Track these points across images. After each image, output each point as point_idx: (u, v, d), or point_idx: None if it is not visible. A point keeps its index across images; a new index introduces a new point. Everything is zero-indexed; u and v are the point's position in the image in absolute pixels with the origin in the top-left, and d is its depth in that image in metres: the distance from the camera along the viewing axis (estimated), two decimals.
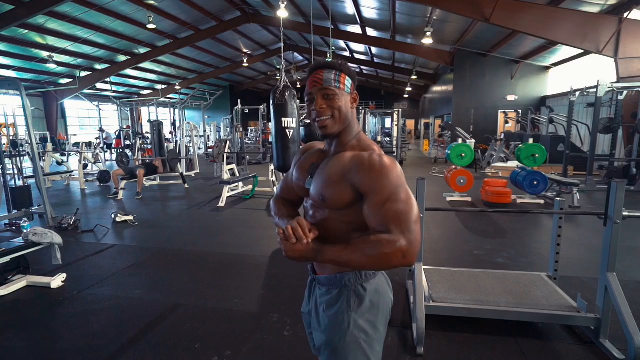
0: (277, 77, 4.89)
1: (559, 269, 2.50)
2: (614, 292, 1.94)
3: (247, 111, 12.30)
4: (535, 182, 5.51)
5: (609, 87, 6.55)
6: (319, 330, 1.04)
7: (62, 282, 3.00)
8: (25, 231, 3.09)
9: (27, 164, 8.88)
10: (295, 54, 21.60)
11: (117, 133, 14.25)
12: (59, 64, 14.62)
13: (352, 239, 0.91)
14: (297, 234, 0.88)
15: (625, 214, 1.96)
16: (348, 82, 1.01)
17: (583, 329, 2.18)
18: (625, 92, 7.04)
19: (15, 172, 6.19)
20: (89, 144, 12.15)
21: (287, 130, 4.39)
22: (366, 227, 0.93)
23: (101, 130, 12.80)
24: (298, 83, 25.42)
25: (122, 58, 15.70)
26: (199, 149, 15.80)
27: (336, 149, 1.02)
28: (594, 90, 6.53)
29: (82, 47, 13.63)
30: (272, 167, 6.79)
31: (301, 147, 1.19)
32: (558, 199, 2.43)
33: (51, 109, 17.58)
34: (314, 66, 1.02)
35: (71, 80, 16.45)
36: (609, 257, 2.00)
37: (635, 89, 6.82)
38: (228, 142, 8.19)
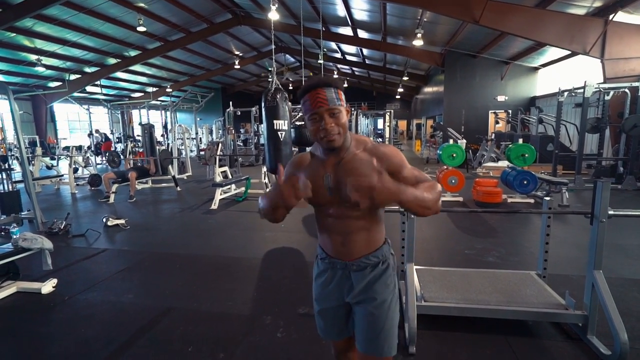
0: (269, 79, 4.88)
1: (548, 267, 2.55)
2: (600, 290, 1.98)
3: (240, 113, 12.28)
4: (525, 182, 5.59)
5: (595, 88, 6.68)
6: (367, 303, 1.20)
7: (53, 287, 2.97)
8: (14, 237, 3.05)
9: (15, 167, 8.74)
10: (287, 55, 21.61)
11: (102, 137, 14.08)
12: (47, 67, 14.44)
13: (373, 229, 1.19)
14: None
15: (611, 212, 2.00)
16: (343, 96, 1.14)
17: (571, 325, 2.22)
18: (611, 93, 7.19)
19: (4, 176, 6.10)
20: (79, 148, 12.02)
21: (279, 133, 4.40)
22: (375, 219, 1.19)
23: (90, 135, 12.64)
24: (290, 85, 25.40)
25: (112, 61, 15.55)
26: (191, 151, 15.71)
27: (342, 154, 1.16)
28: (582, 90, 6.66)
29: (71, 50, 13.47)
30: (264, 169, 6.79)
31: (292, 161, 1.28)
32: (546, 198, 2.47)
33: (40, 113, 17.35)
34: (313, 84, 1.10)
35: (60, 83, 16.25)
36: (596, 255, 2.04)
37: (621, 90, 6.97)
38: (220, 144, 8.16)
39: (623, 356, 1.83)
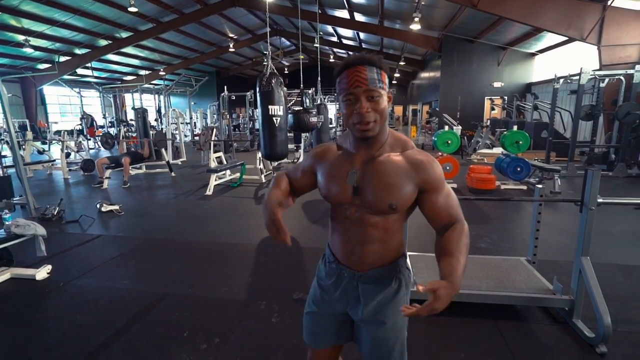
0: (264, 63, 4.81)
1: (538, 253, 2.60)
2: (587, 275, 2.03)
3: (234, 97, 12.14)
4: (519, 169, 5.63)
5: (591, 75, 6.67)
6: (376, 326, 1.09)
7: (48, 273, 2.98)
8: (7, 223, 3.03)
9: (5, 152, 8.62)
10: (283, 39, 21.24)
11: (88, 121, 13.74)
12: (36, 48, 14.07)
13: (390, 240, 1.05)
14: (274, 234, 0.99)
15: (600, 200, 2.03)
16: (387, 80, 0.99)
17: (558, 310, 2.29)
18: (606, 80, 7.19)
19: None
20: (71, 132, 11.85)
21: (274, 118, 4.37)
22: (395, 229, 1.05)
23: (82, 118, 12.45)
24: (285, 69, 25.03)
25: (103, 42, 15.18)
26: (185, 136, 15.56)
27: (375, 150, 1.02)
28: (577, 77, 6.65)
29: (60, 30, 13.12)
30: (259, 154, 6.75)
31: (313, 151, 1.16)
32: (538, 186, 2.50)
33: (29, 96, 17.00)
34: (353, 61, 0.96)
35: (50, 65, 15.87)
36: (584, 242, 2.08)
37: (616, 77, 6.97)
38: (215, 129, 8.09)
39: (606, 338, 1.89)
